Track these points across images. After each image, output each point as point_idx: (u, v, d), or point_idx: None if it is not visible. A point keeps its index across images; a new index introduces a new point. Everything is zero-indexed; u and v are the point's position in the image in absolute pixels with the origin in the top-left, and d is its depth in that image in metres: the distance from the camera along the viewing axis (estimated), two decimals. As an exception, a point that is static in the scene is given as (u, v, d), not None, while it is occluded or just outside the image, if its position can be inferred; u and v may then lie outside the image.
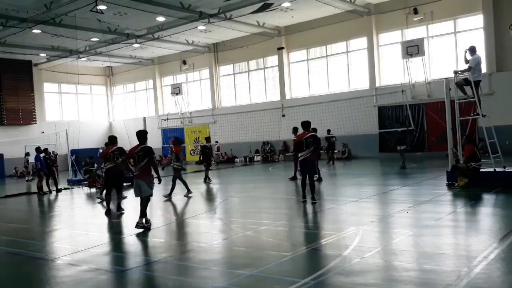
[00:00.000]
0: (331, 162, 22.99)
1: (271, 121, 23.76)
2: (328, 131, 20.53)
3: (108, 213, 11.04)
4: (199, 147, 23.41)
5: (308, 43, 28.58)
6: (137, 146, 8.94)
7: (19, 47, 28.60)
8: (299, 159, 10.61)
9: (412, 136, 17.51)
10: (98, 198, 14.00)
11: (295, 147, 10.96)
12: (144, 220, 8.74)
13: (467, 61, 12.02)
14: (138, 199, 9.00)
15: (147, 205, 8.88)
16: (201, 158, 18.10)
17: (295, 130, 15.03)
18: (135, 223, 8.73)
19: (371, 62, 26.01)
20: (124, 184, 13.25)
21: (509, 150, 15.83)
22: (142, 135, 9.02)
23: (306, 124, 10.78)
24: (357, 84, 26.82)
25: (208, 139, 18.62)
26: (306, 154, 10.42)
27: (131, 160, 9.21)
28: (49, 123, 33.34)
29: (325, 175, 17.82)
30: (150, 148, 8.94)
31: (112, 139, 11.82)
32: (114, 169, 11.26)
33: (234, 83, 32.74)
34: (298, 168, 12.48)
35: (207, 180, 17.45)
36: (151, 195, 8.98)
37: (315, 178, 11.44)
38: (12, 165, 31.52)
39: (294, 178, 15.76)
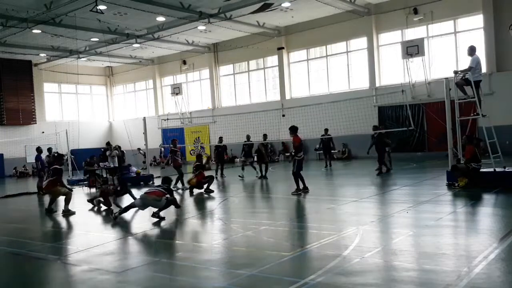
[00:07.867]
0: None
1: (271, 121, 23.74)
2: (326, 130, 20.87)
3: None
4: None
5: (308, 43, 28.57)
6: None
7: (19, 47, 28.58)
8: (299, 158, 11.83)
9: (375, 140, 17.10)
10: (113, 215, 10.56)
11: (299, 147, 12.02)
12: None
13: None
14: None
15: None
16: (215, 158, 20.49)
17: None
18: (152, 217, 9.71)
19: (371, 62, 26.00)
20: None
21: (509, 150, 15.84)
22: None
23: (296, 128, 12.13)
24: (357, 84, 26.83)
25: (221, 139, 20.35)
26: (303, 154, 12.03)
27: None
28: (49, 123, 33.29)
29: (323, 175, 17.82)
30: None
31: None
32: None
33: (234, 83, 32.73)
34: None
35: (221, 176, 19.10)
36: None
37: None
38: (12, 165, 31.50)
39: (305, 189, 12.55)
